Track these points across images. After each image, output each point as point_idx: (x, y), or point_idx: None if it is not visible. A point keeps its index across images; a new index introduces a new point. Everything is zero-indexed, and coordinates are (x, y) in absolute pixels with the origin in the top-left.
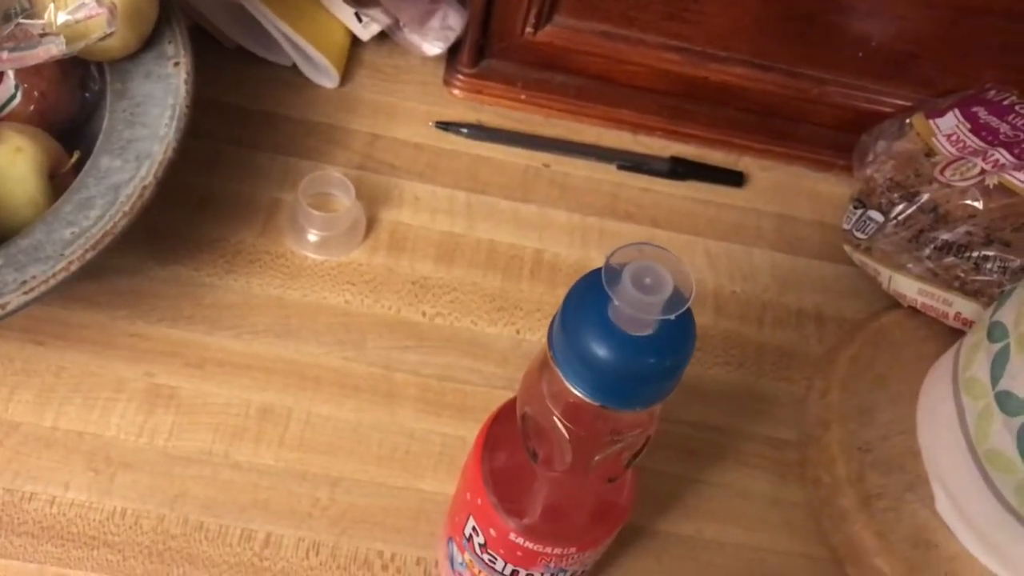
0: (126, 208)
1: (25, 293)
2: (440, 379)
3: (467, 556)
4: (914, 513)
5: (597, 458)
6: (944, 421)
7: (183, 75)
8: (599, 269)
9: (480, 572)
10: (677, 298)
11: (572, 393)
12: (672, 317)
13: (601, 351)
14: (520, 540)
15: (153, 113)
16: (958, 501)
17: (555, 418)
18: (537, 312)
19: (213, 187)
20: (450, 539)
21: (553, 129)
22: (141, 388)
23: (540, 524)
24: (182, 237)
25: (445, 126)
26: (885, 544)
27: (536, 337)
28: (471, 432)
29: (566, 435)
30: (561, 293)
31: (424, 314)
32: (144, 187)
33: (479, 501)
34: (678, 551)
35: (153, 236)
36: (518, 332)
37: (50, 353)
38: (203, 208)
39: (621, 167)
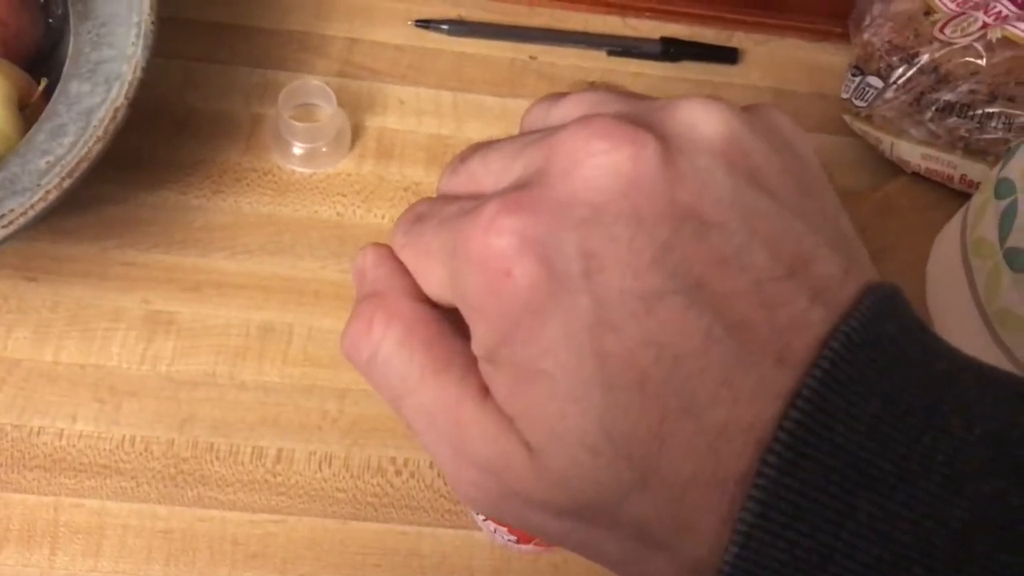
0: (99, 132)
1: (4, 227)
2: None
3: None
4: None
5: None
6: (953, 285)
7: None
8: None
9: None
10: None
11: None
12: None
13: None
14: None
15: (119, 33)
16: None
17: None
18: None
19: (193, 107)
20: None
21: (538, 18)
22: (139, 316)
23: None
24: (166, 161)
25: (425, 24)
26: None
27: None
28: None
29: None
30: None
31: None
32: (116, 109)
33: None
34: None
35: (137, 163)
36: None
37: (43, 288)
38: (184, 130)
39: (611, 53)
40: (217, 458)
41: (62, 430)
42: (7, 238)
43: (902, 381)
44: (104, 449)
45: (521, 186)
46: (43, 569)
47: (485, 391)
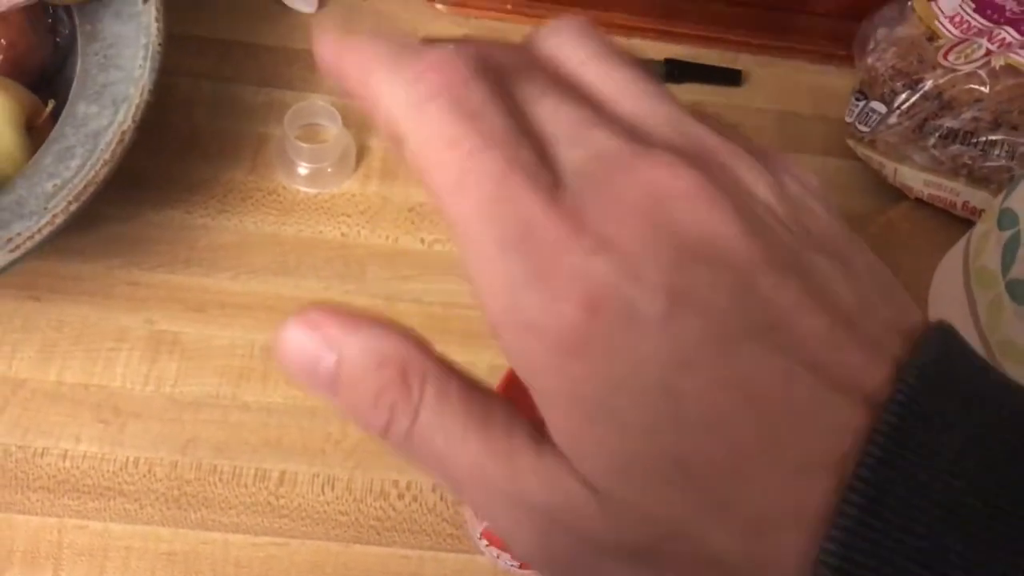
0: (106, 156)
1: (11, 251)
2: (444, 306)
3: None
4: None
5: None
6: (955, 313)
7: (153, 12)
8: None
9: None
10: None
11: None
12: None
13: None
14: None
15: (126, 54)
16: None
17: None
18: None
19: (199, 126)
20: None
21: None
22: (143, 336)
23: None
24: (172, 180)
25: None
26: None
27: None
28: (478, 357)
29: None
30: None
31: (423, 241)
32: (124, 132)
33: None
34: None
35: (142, 182)
36: None
37: (49, 308)
38: (190, 149)
39: None
40: (220, 480)
41: (66, 451)
42: (14, 262)
43: (980, 416)
44: (107, 471)
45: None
46: None
47: (537, 437)
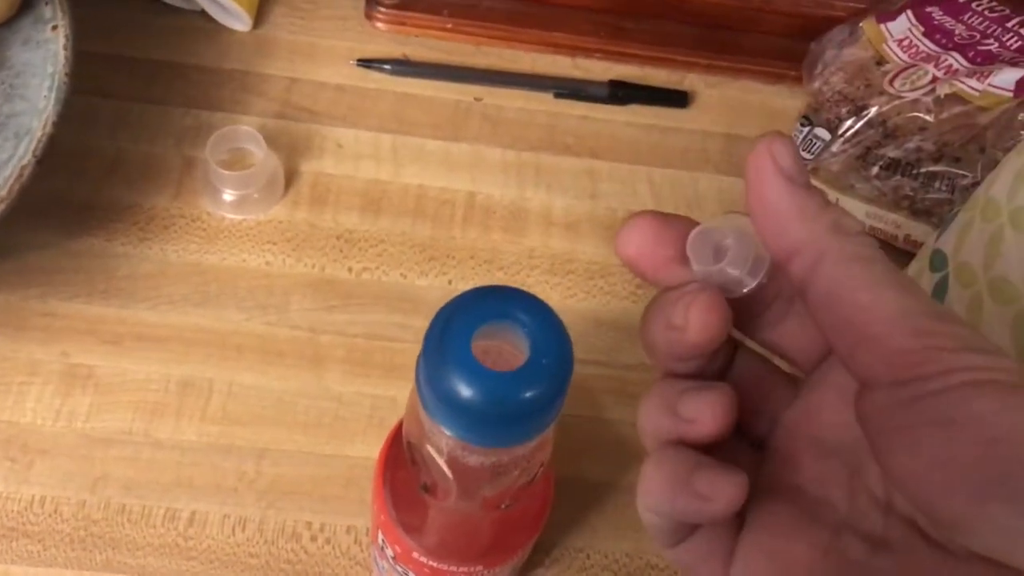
0: (2, 192)
1: None
2: (368, 338)
3: (384, 564)
4: None
5: (484, 491)
6: None
7: (62, 40)
8: (461, 296)
9: None
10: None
11: (443, 432)
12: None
13: (464, 390)
14: (423, 559)
15: (32, 84)
16: None
17: (432, 453)
18: (470, 260)
19: (124, 149)
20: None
21: (485, 59)
22: (57, 369)
23: (440, 545)
24: (93, 206)
25: (367, 63)
26: None
27: (469, 286)
28: (401, 392)
29: (447, 470)
30: (496, 238)
31: (351, 270)
32: (23, 167)
33: (383, 517)
34: (619, 499)
35: (61, 207)
36: (450, 282)
37: None
38: (113, 173)
39: (558, 95)
40: (129, 520)
41: None
42: None
43: None
44: (12, 510)
45: None
46: None
47: None
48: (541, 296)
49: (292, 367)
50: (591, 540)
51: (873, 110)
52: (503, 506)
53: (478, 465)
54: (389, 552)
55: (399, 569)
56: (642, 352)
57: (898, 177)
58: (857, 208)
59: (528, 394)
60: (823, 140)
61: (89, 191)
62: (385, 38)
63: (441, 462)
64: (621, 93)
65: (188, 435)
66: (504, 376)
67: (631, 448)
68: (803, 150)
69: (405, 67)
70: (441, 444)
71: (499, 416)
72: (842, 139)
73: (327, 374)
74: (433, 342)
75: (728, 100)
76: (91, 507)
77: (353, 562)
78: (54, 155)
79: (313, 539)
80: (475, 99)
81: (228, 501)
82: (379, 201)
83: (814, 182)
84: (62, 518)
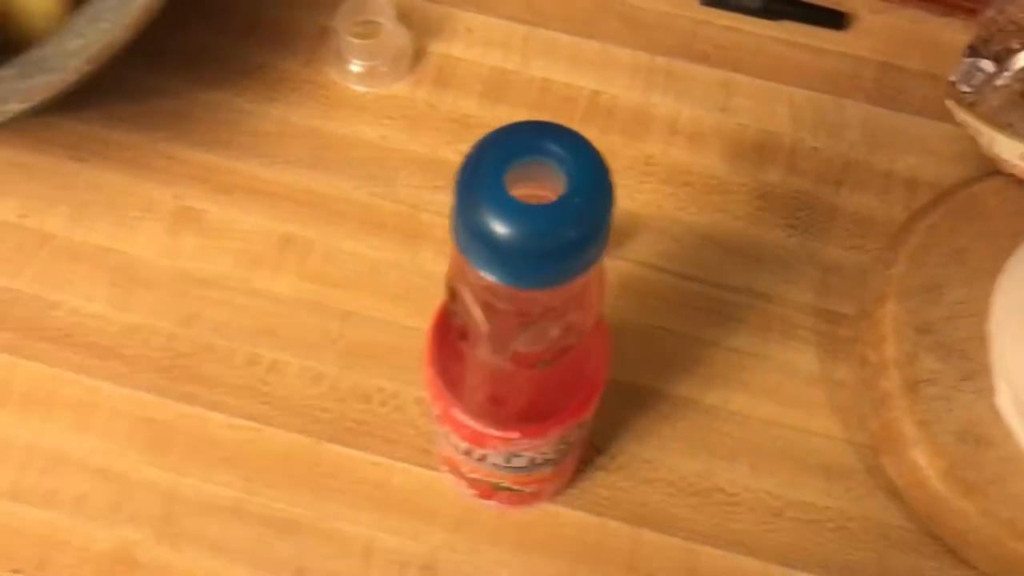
0: (127, 21)
1: (21, 102)
2: None
3: (436, 428)
4: (968, 405)
5: (517, 345)
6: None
7: None
8: (500, 130)
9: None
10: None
11: (470, 267)
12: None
13: (490, 221)
14: (462, 418)
15: None
16: None
17: (465, 294)
18: None
19: (262, 13)
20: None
21: None
22: (169, 209)
23: (475, 403)
24: (227, 62)
25: None
26: (927, 434)
27: None
28: None
29: (478, 313)
30: (614, 139)
31: (460, 153)
32: (152, 3)
33: (429, 371)
34: (696, 419)
35: (199, 60)
36: None
37: (89, 170)
38: (250, 33)
39: (704, 2)
40: (213, 358)
41: (75, 308)
42: (24, 111)
43: None
44: (110, 332)
45: None
46: (32, 436)
47: None
48: (650, 204)
49: (390, 239)
50: (660, 453)
51: None
52: (537, 366)
53: (506, 310)
54: (435, 411)
55: (443, 430)
56: (748, 275)
57: None
58: (1012, 148)
59: (554, 231)
60: (986, 72)
61: (227, 47)
62: None
63: (471, 303)
64: (775, 6)
65: (281, 288)
66: (531, 209)
67: (719, 370)
68: (962, 82)
69: None
70: (471, 282)
71: (523, 251)
72: (1008, 73)
73: (422, 251)
74: (466, 171)
75: (891, 28)
76: (180, 341)
77: (417, 432)
78: (199, 8)
79: (383, 404)
80: None
81: (309, 355)
82: (502, 89)
83: (969, 118)
84: (152, 347)
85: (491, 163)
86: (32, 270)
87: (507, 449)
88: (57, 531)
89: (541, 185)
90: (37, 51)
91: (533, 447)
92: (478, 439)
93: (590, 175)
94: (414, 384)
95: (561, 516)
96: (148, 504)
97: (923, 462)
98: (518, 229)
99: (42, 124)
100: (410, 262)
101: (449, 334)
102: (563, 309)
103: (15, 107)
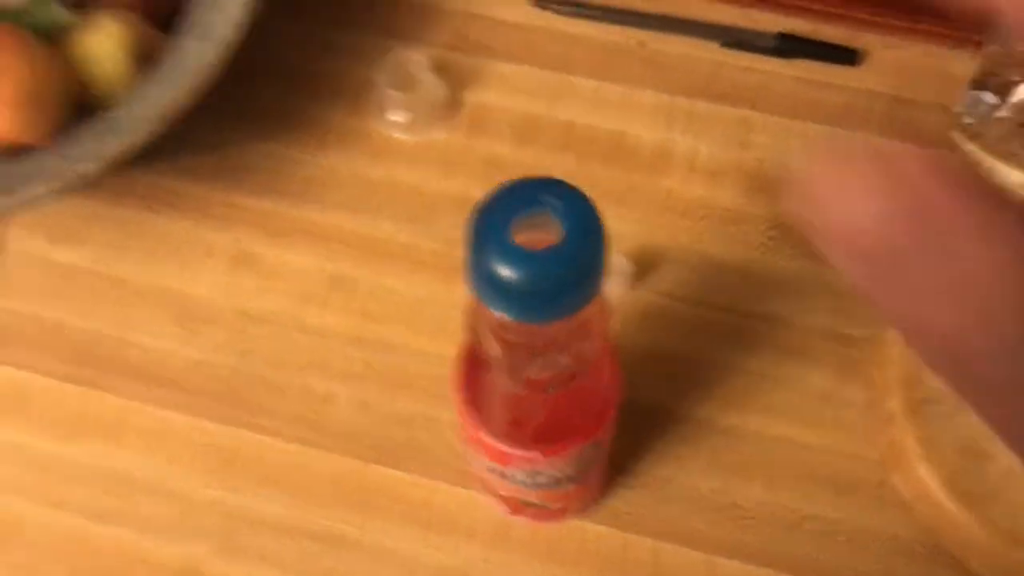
0: (189, 86)
1: (95, 162)
2: None
3: (466, 450)
4: (969, 422)
5: (530, 372)
6: None
7: None
8: (504, 186)
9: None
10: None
11: (483, 306)
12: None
13: (495, 264)
14: (486, 437)
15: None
16: None
17: (482, 329)
18: (609, 195)
19: (308, 67)
20: None
21: (655, 4)
22: (230, 253)
23: (500, 427)
24: (279, 115)
25: (543, 4)
26: (931, 450)
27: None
28: None
29: (496, 347)
30: (636, 178)
31: None
32: (211, 68)
33: (457, 396)
34: (714, 439)
35: (253, 114)
36: None
37: (159, 219)
38: (300, 88)
39: (724, 44)
40: (268, 389)
41: (146, 345)
42: (96, 172)
43: None
44: (176, 366)
45: None
46: (109, 461)
47: None
48: (669, 238)
49: (429, 276)
50: (678, 472)
51: None
52: (548, 390)
53: (517, 342)
54: (464, 434)
55: (472, 451)
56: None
57: None
58: (1015, 177)
59: (552, 273)
60: (988, 103)
61: (278, 101)
62: None
63: (488, 337)
64: (788, 46)
65: (329, 323)
66: (532, 255)
67: (736, 392)
68: (968, 114)
69: (576, 8)
70: (486, 319)
71: (527, 291)
72: (1010, 105)
73: (457, 286)
74: (475, 223)
75: (902, 62)
76: (239, 373)
77: (454, 454)
78: (250, 66)
79: (423, 428)
80: (638, 43)
81: (355, 385)
82: (531, 133)
83: (972, 147)
84: (213, 379)
85: (497, 216)
86: (107, 311)
87: (530, 467)
88: (129, 546)
89: (544, 231)
90: (111, 115)
91: (552, 465)
92: (503, 458)
93: (583, 224)
94: (450, 410)
95: (588, 531)
96: (210, 522)
97: (928, 476)
98: (521, 273)
99: (116, 177)
100: (446, 298)
101: (474, 363)
102: (568, 340)
103: (91, 167)
